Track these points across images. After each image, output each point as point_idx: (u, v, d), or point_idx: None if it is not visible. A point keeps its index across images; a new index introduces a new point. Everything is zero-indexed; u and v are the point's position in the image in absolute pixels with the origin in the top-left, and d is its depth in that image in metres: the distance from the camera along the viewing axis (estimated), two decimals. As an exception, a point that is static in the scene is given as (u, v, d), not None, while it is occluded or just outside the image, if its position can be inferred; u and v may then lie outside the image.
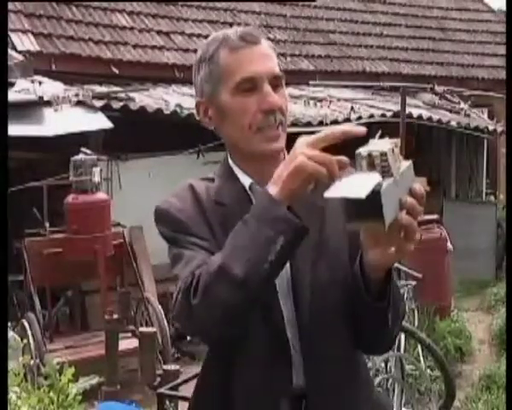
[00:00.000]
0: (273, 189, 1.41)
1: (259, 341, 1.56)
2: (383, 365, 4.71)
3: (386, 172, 1.29)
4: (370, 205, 1.27)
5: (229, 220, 1.53)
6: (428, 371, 5.30)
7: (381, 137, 1.37)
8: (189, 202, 1.61)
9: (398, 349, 4.86)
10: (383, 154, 1.29)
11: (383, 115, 8.56)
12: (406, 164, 1.36)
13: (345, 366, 1.64)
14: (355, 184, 1.29)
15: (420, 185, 1.39)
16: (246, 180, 1.64)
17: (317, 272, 1.59)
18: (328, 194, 1.30)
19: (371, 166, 1.30)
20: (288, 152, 1.56)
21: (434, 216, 6.99)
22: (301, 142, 1.40)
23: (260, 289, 1.44)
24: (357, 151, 1.32)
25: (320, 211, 1.59)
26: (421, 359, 5.30)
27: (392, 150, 1.31)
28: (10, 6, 7.67)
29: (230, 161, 1.67)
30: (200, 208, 1.60)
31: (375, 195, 1.26)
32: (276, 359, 1.57)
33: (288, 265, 1.55)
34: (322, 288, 1.58)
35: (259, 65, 1.58)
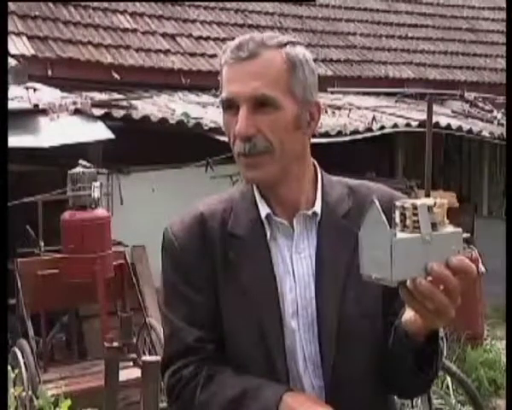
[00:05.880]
0: None
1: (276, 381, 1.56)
2: (409, 398, 4.69)
3: (416, 227, 1.29)
4: (380, 252, 1.28)
5: (242, 254, 1.59)
6: (459, 406, 5.27)
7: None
8: (196, 236, 1.64)
9: (426, 381, 4.83)
10: (415, 207, 1.29)
11: (408, 125, 8.57)
12: (450, 230, 1.34)
13: (372, 406, 1.64)
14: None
15: (463, 258, 1.35)
16: (263, 209, 1.64)
17: (345, 305, 1.58)
18: None
19: (403, 218, 1.30)
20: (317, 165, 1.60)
21: (465, 235, 6.96)
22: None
23: None
24: (394, 202, 1.33)
25: (352, 238, 1.50)
26: (451, 392, 5.27)
27: (430, 208, 1.30)
28: (3, 7, 7.78)
29: None
30: (206, 243, 1.63)
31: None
32: None
33: (312, 295, 1.57)
34: (351, 322, 1.57)
35: (240, 85, 1.55)
